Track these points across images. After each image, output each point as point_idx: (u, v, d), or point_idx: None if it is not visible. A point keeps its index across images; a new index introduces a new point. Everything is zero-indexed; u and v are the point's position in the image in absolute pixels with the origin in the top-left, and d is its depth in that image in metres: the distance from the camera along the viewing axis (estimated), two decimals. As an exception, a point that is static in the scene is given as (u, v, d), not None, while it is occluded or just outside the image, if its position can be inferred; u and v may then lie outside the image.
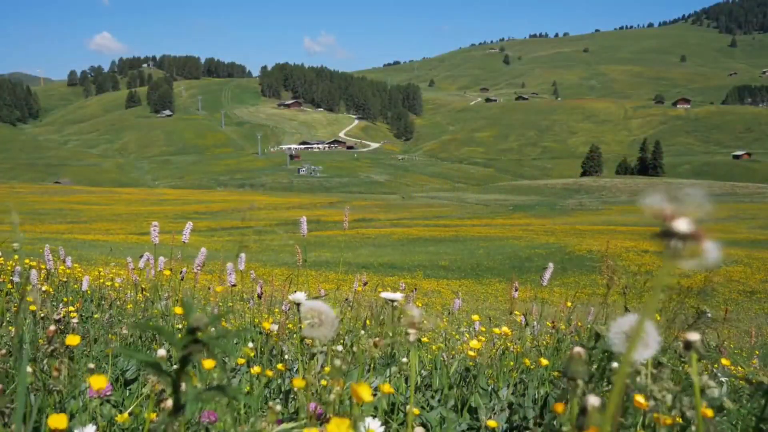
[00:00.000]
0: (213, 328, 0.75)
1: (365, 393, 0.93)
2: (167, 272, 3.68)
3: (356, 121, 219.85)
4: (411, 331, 1.09)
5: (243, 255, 3.36)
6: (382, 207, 76.11)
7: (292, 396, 2.04)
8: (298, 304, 1.66)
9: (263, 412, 1.92)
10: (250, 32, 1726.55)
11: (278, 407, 1.22)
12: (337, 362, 1.29)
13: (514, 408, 2.19)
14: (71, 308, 3.27)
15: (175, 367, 0.73)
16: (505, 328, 2.89)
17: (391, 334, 1.16)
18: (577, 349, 0.97)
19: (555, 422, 1.12)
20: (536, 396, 2.34)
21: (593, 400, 0.75)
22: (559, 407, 0.98)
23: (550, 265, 3.03)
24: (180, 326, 3.01)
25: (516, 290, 3.37)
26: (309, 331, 1.00)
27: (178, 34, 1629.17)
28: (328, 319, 1.00)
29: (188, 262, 4.35)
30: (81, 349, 2.54)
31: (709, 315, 1.48)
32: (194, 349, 0.72)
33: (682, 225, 0.52)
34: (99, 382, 1.24)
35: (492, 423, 1.84)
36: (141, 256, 4.14)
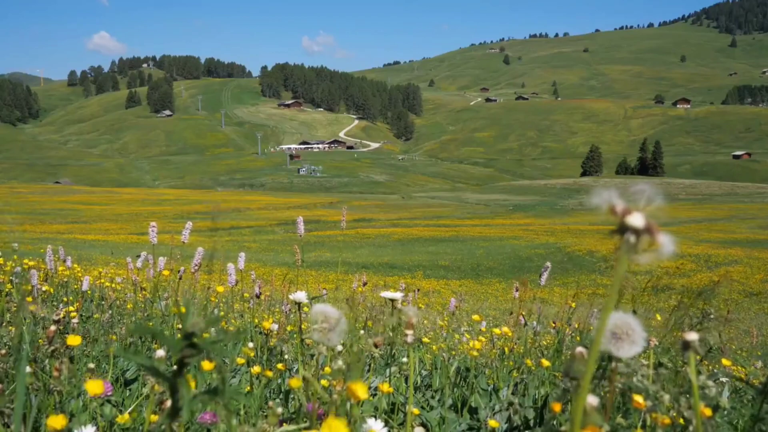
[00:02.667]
0: (213, 330, 0.75)
1: (361, 391, 0.93)
2: (167, 272, 3.68)
3: (356, 121, 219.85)
4: (408, 331, 1.09)
5: (243, 255, 3.36)
6: (382, 207, 76.10)
7: (292, 396, 2.04)
8: (299, 304, 1.66)
9: (263, 412, 1.92)
10: (250, 32, 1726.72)
11: (278, 408, 1.22)
12: (338, 362, 1.29)
13: (514, 408, 2.19)
14: (71, 308, 3.27)
15: (174, 368, 0.73)
16: (505, 329, 2.89)
17: (391, 334, 1.16)
18: (579, 349, 0.97)
19: (555, 422, 1.12)
20: (537, 396, 2.34)
21: (592, 400, 0.75)
22: (557, 406, 0.98)
23: (548, 264, 3.02)
24: (180, 327, 3.01)
25: (517, 290, 3.37)
26: (318, 335, 0.99)
27: (178, 34, 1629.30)
28: (338, 324, 1.00)
29: (188, 261, 4.35)
30: (81, 349, 2.54)
31: (713, 316, 1.48)
32: (190, 353, 0.72)
33: (635, 220, 0.53)
34: (96, 388, 1.23)
35: (492, 423, 1.84)
36: (138, 256, 4.14)
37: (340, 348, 1.53)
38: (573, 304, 3.54)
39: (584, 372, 0.56)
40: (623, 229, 0.54)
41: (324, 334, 1.00)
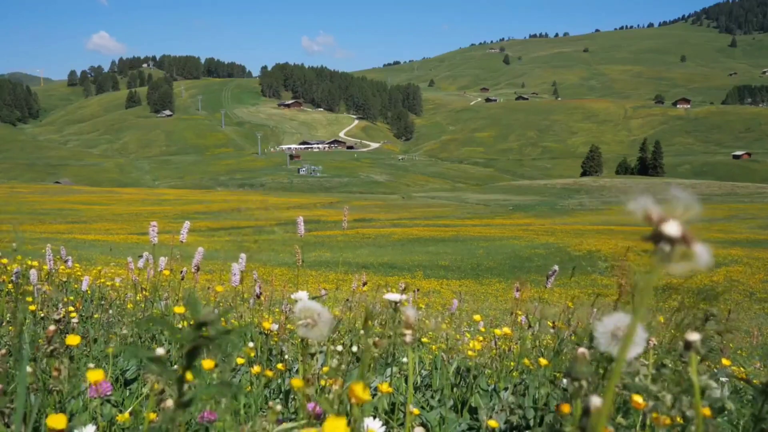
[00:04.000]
0: (212, 327, 0.76)
1: (362, 391, 0.93)
2: (167, 272, 3.68)
3: (356, 121, 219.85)
4: (407, 331, 1.09)
5: (244, 255, 3.36)
6: (382, 207, 76.10)
7: (292, 396, 2.04)
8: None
9: (263, 411, 1.92)
10: (250, 32, 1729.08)
11: (278, 407, 1.22)
12: (336, 362, 1.29)
13: (514, 408, 2.19)
14: (71, 308, 3.27)
15: (175, 366, 0.73)
16: (506, 329, 2.89)
17: (391, 334, 1.16)
18: (582, 350, 0.97)
19: (554, 422, 1.12)
20: (537, 396, 2.34)
21: (596, 401, 0.74)
22: (566, 408, 0.98)
23: (555, 268, 2.99)
24: (180, 326, 3.01)
25: (518, 290, 3.36)
26: (304, 331, 0.99)
27: (177, 34, 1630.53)
28: (322, 319, 1.00)
29: (188, 262, 4.35)
30: (81, 349, 2.54)
31: (716, 316, 1.47)
32: (202, 343, 0.72)
33: (671, 228, 0.51)
34: (96, 376, 1.24)
35: (492, 423, 1.83)
36: (140, 257, 4.14)
37: (340, 348, 1.53)
38: (570, 304, 3.54)
39: (586, 373, 0.56)
40: (658, 237, 0.51)
41: (309, 329, 1.00)
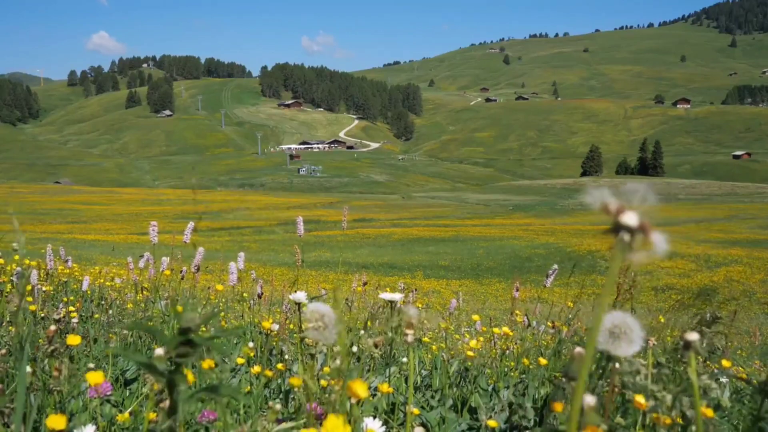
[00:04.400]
0: (212, 328, 0.75)
1: (361, 389, 0.93)
2: (167, 272, 3.68)
3: (356, 121, 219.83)
4: (408, 331, 1.09)
5: (242, 254, 3.36)
6: (382, 207, 76.07)
7: (291, 396, 2.04)
8: (299, 304, 1.66)
9: (263, 411, 1.92)
10: (250, 32, 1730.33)
11: (278, 407, 1.22)
12: (337, 362, 1.29)
13: (513, 408, 2.19)
14: (71, 308, 3.27)
15: (173, 366, 0.73)
16: (505, 329, 2.89)
17: (390, 334, 1.16)
18: (578, 349, 0.97)
19: (555, 422, 1.12)
20: (536, 396, 2.34)
21: (590, 399, 0.75)
22: (558, 406, 0.98)
23: (555, 267, 2.99)
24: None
25: (517, 290, 3.36)
26: (313, 333, 0.99)
27: (177, 34, 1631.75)
28: (332, 321, 1.00)
29: (189, 262, 4.35)
30: (81, 349, 2.54)
31: (721, 318, 1.47)
32: (186, 350, 0.71)
33: (629, 218, 0.53)
34: (96, 378, 1.24)
35: (492, 423, 1.84)
36: (141, 256, 4.14)
37: (340, 348, 1.53)
38: (571, 304, 3.54)
39: (581, 371, 0.57)
40: (617, 227, 0.54)
41: (320, 332, 1.00)
